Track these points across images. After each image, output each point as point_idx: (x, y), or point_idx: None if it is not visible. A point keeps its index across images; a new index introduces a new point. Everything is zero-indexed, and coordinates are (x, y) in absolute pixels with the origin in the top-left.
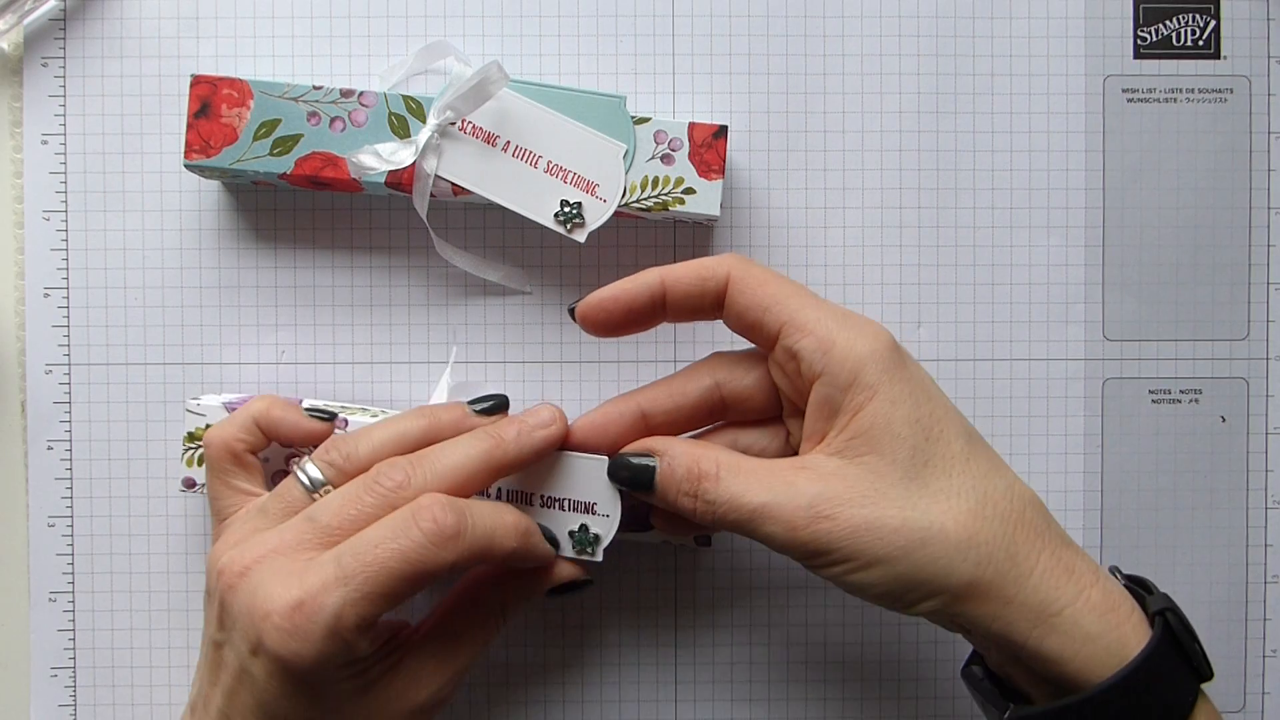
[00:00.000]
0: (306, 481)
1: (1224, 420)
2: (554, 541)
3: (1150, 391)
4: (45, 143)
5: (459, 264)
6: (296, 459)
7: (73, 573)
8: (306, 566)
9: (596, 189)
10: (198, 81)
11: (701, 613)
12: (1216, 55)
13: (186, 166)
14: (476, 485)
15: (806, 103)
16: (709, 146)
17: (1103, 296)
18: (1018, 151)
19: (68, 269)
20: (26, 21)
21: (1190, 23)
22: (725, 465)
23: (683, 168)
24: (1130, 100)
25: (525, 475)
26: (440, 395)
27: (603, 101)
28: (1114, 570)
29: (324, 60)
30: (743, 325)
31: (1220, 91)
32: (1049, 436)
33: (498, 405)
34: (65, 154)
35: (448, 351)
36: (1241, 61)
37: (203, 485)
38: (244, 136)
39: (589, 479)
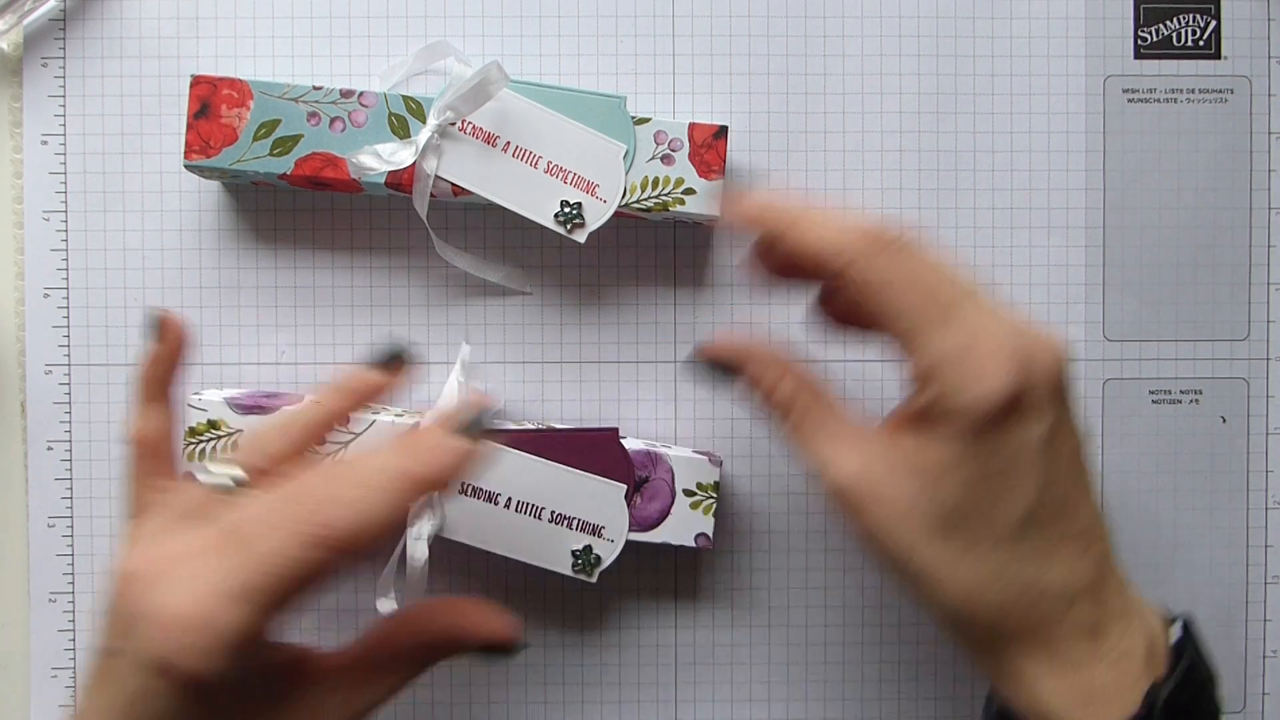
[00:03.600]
0: (224, 482)
1: (1224, 420)
2: (476, 424)
3: (1150, 391)
4: (45, 143)
5: (459, 264)
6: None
7: (73, 573)
8: (211, 574)
9: (596, 189)
10: (198, 82)
11: (701, 613)
12: (1216, 55)
13: (186, 167)
14: (398, 508)
15: (806, 103)
16: (709, 147)
17: (1103, 296)
18: (1018, 151)
19: (68, 269)
20: (26, 21)
21: (1190, 23)
22: (803, 399)
23: (683, 168)
24: (1130, 100)
25: (538, 487)
26: (451, 393)
27: (603, 102)
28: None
29: (324, 60)
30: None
31: (1220, 91)
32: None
33: (394, 356)
34: (65, 154)
35: (456, 350)
36: (1241, 61)
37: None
38: (244, 137)
39: (602, 502)
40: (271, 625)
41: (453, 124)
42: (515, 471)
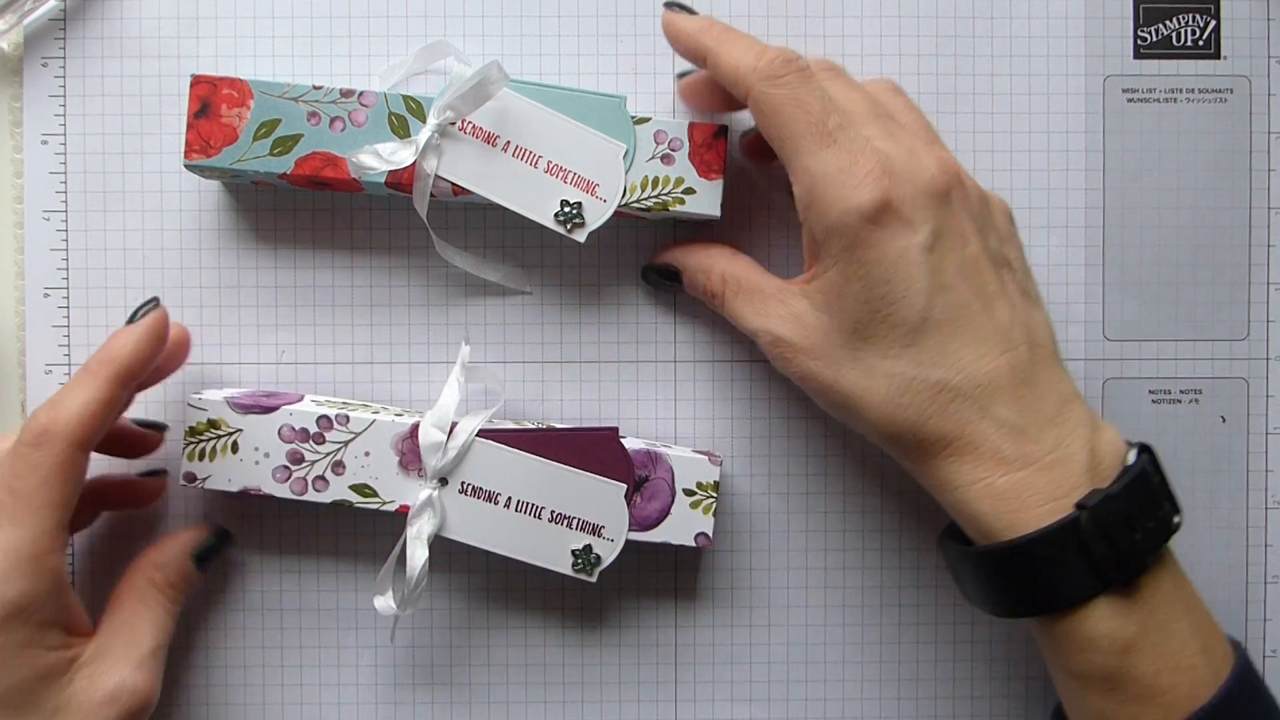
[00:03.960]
0: None
1: (1224, 420)
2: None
3: (1150, 391)
4: (45, 143)
5: (459, 264)
6: None
7: (73, 572)
8: None
9: (596, 189)
10: (198, 81)
11: (701, 613)
12: (1216, 55)
13: (187, 166)
14: (110, 403)
15: None
16: (709, 147)
17: (1103, 296)
18: (1018, 151)
19: (68, 269)
20: (26, 21)
21: (1190, 23)
22: (730, 285)
23: (683, 168)
24: (1130, 100)
25: (538, 487)
26: (451, 393)
27: (603, 101)
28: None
29: (324, 60)
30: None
31: (1220, 91)
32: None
33: (149, 307)
34: (65, 154)
35: (456, 350)
36: (1241, 61)
37: (205, 479)
38: (244, 136)
39: (603, 502)
40: (30, 542)
41: (452, 123)
42: (515, 471)
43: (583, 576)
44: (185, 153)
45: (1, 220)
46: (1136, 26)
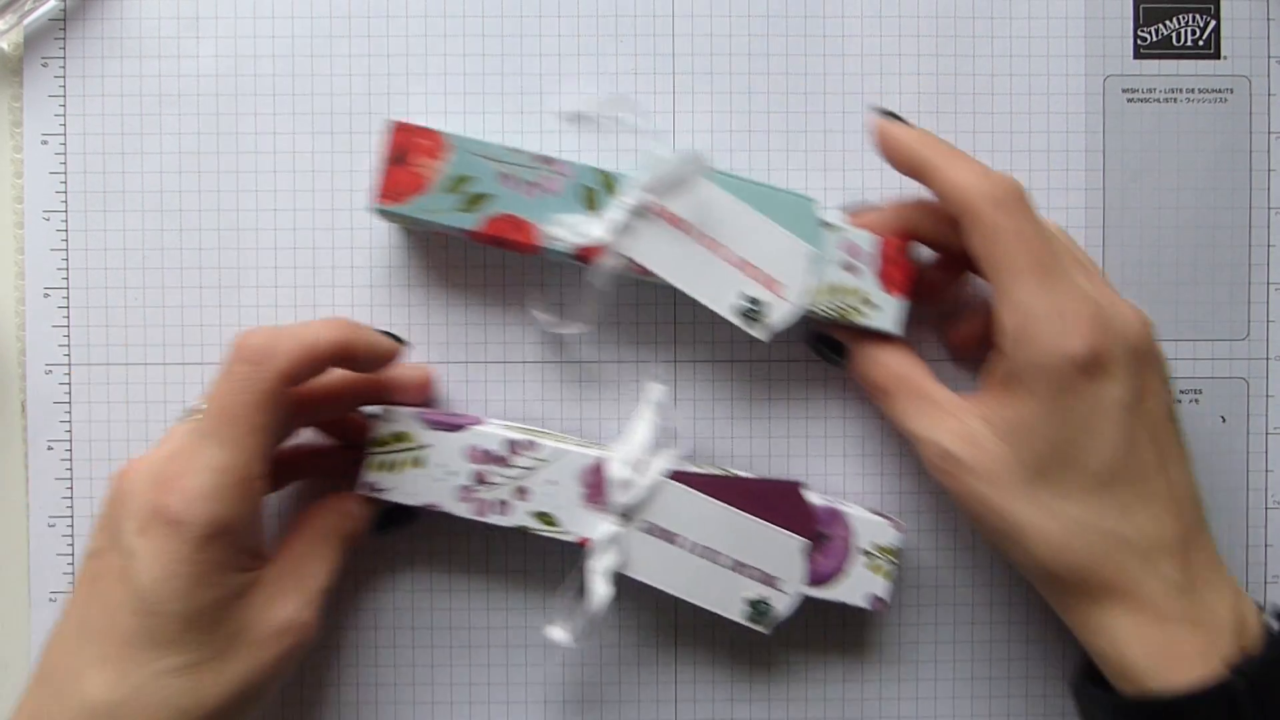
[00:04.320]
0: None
1: (1224, 420)
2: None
3: None
4: (45, 143)
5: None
6: None
7: (73, 573)
8: (182, 440)
9: (780, 288)
10: (398, 129)
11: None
12: (1216, 55)
13: (374, 211)
14: (327, 353)
15: (806, 103)
16: (896, 262)
17: None
18: (1018, 151)
19: (68, 269)
20: (26, 21)
21: (1190, 23)
22: (901, 385)
23: (867, 280)
24: (1130, 100)
25: (719, 532)
26: (642, 431)
27: (794, 201)
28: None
29: (324, 60)
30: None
31: (1220, 91)
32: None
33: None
34: (65, 154)
35: (638, 386)
36: (1241, 61)
37: (387, 491)
38: (435, 188)
39: (782, 553)
40: (239, 463)
41: (645, 206)
42: (698, 514)
43: (757, 627)
44: (376, 197)
45: (1, 220)
46: (1136, 26)
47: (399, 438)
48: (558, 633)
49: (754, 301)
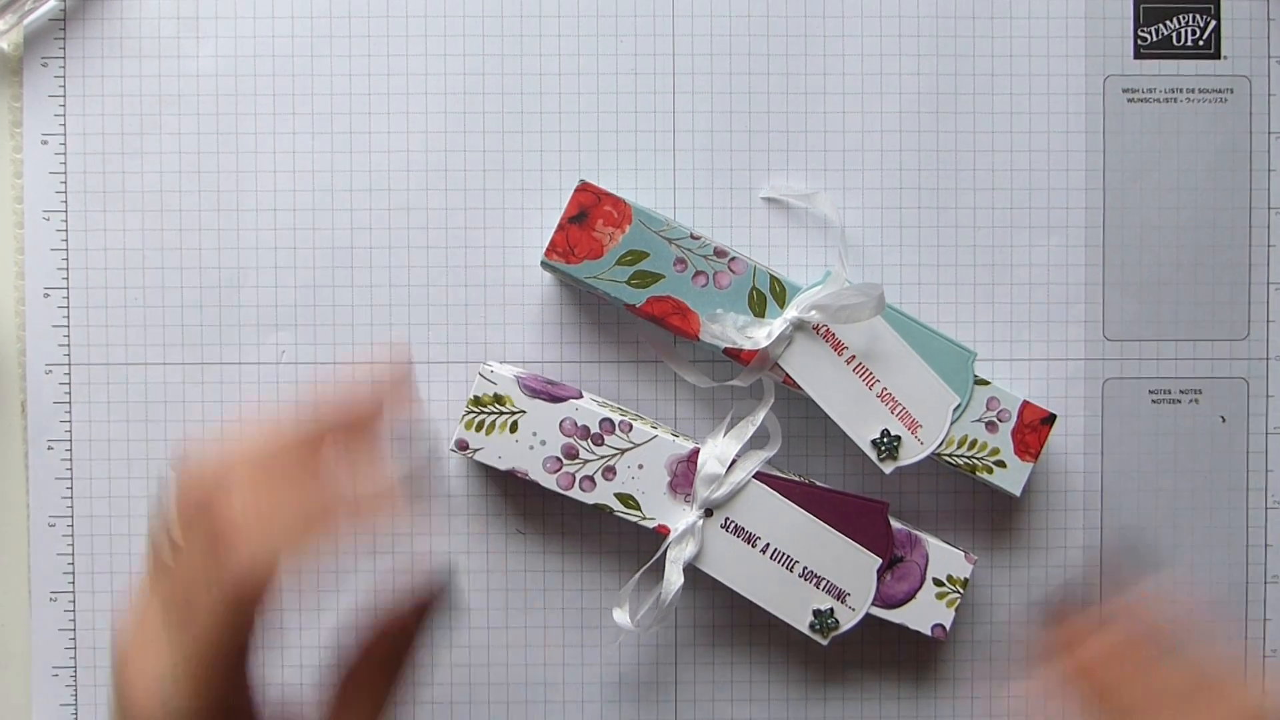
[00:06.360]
0: None
1: (1224, 420)
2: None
3: (1150, 391)
4: (45, 143)
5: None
6: None
7: (73, 573)
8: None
9: (919, 429)
10: (584, 188)
11: (701, 613)
12: (1216, 55)
13: (543, 264)
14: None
15: (806, 103)
16: (1033, 429)
17: (1103, 296)
18: (1018, 151)
19: (68, 269)
20: (26, 21)
21: (1190, 23)
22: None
23: (1003, 440)
24: (1130, 100)
25: (797, 540)
26: (739, 430)
27: (953, 351)
28: None
29: (324, 60)
30: None
31: (1220, 91)
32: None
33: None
34: (65, 154)
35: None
36: (1241, 61)
37: (477, 450)
38: (609, 256)
39: (855, 570)
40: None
41: (812, 325)
42: (780, 519)
43: (816, 637)
44: (547, 252)
45: (1, 220)
46: (1136, 26)
47: (498, 400)
48: (621, 616)
49: (893, 438)
